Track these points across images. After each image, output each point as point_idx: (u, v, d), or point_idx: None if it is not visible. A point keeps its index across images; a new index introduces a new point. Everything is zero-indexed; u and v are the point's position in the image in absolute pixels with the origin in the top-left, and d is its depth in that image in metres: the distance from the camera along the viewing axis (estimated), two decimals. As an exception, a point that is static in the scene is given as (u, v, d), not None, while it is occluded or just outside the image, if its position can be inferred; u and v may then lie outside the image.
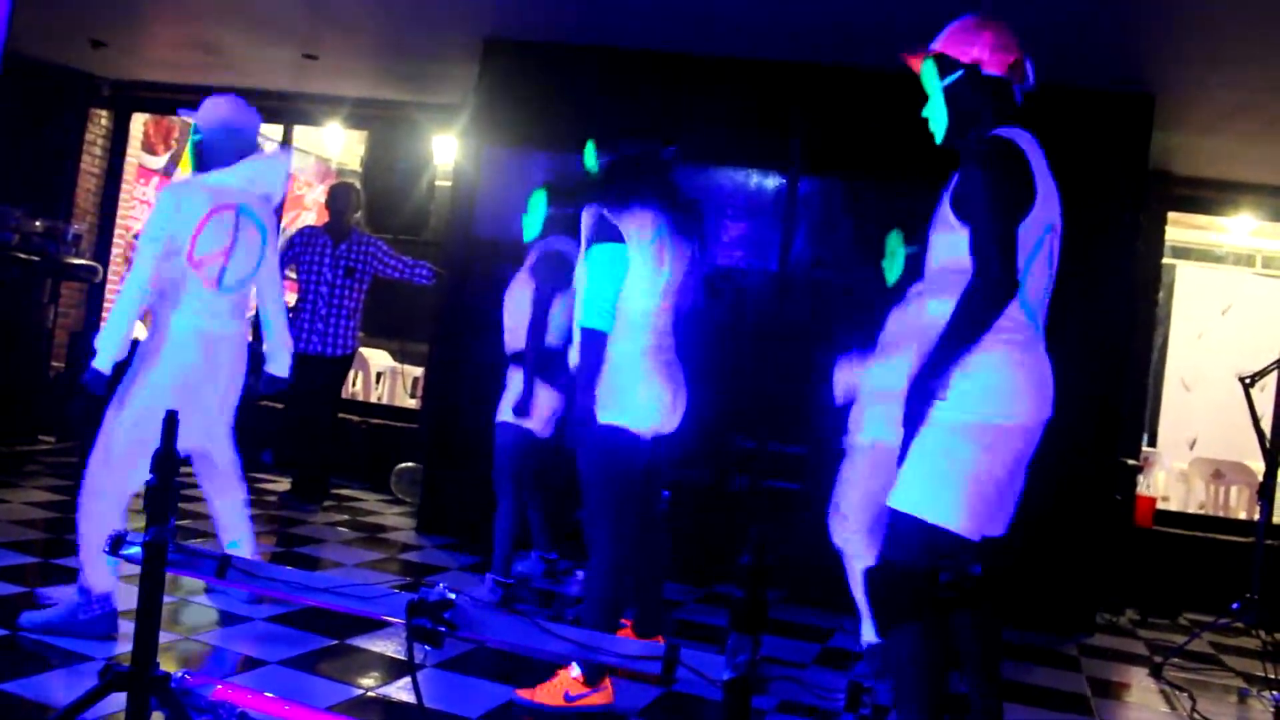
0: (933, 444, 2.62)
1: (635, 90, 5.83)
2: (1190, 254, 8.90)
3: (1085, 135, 5.32)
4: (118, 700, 2.42)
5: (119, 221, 8.68)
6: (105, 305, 8.27)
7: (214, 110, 3.75)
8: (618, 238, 3.43)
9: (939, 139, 2.82)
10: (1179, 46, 4.95)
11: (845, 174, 5.79)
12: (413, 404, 8.83)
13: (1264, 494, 5.05)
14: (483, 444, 4.76)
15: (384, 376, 9.27)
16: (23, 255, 6.92)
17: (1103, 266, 5.40)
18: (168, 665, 2.64)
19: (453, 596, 2.11)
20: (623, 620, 3.74)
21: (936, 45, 2.78)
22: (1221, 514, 7.33)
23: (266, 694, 2.95)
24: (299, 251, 6.44)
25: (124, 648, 3.35)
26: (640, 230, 3.46)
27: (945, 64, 2.75)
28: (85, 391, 3.54)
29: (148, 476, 2.37)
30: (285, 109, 7.90)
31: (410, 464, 7.00)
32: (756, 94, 5.81)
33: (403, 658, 3.73)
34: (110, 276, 8.17)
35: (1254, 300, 8.43)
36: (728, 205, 5.82)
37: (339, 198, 6.63)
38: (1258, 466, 5.56)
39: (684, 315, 3.76)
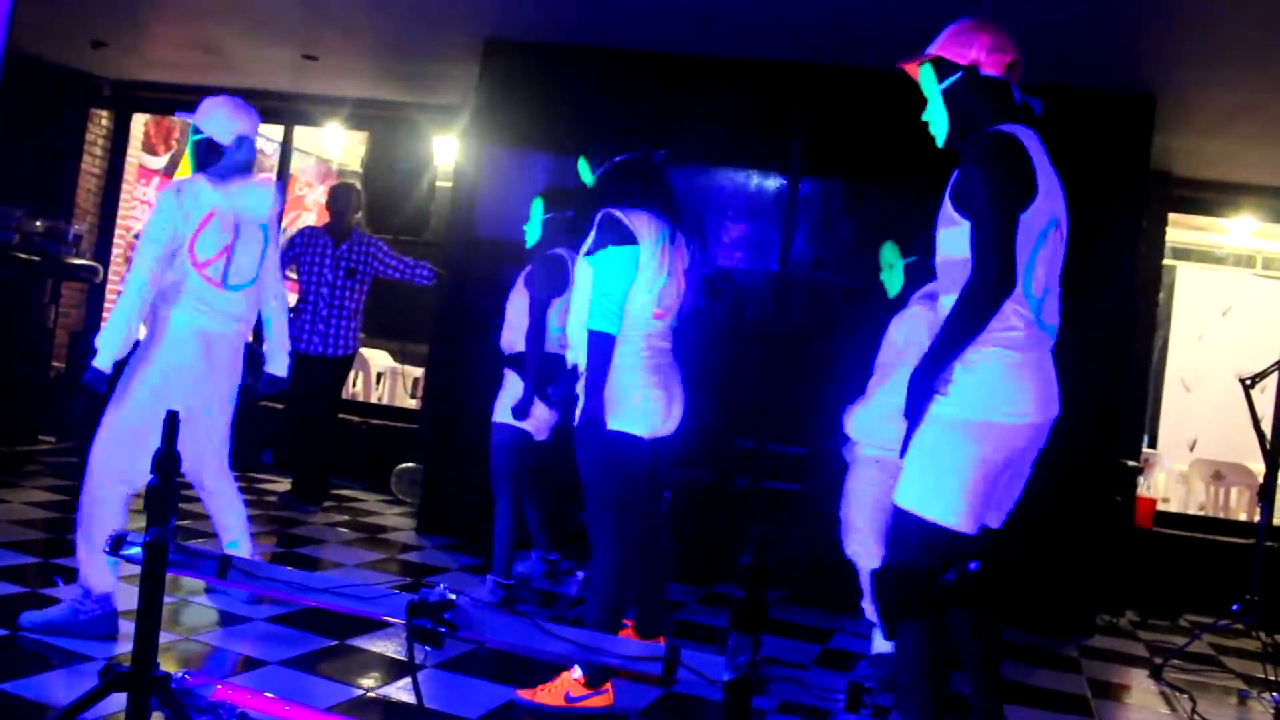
0: (932, 440, 2.63)
1: (635, 91, 5.83)
2: (1191, 255, 8.90)
3: (1086, 136, 5.32)
4: (118, 700, 2.42)
5: (119, 222, 8.68)
6: (106, 305, 8.28)
7: (212, 110, 3.75)
8: (630, 240, 3.42)
9: (940, 142, 2.83)
10: (1179, 47, 4.95)
11: (845, 175, 5.79)
12: (413, 404, 8.84)
13: (1264, 495, 5.06)
14: (483, 445, 4.76)
15: (384, 377, 9.27)
16: (23, 255, 6.93)
17: (1103, 267, 5.39)
18: (168, 665, 2.64)
19: (453, 597, 2.11)
20: (624, 621, 3.74)
21: (933, 49, 2.79)
22: (1221, 515, 7.33)
23: (266, 694, 2.95)
24: (300, 252, 6.44)
25: (124, 648, 3.36)
26: (647, 230, 3.46)
27: (943, 67, 2.76)
28: (86, 391, 3.54)
29: (148, 476, 2.37)
30: (285, 109, 7.90)
31: (410, 464, 7.00)
32: (757, 94, 5.81)
33: (403, 658, 3.73)
34: (111, 277, 8.17)
35: (1254, 301, 8.43)
36: (728, 206, 5.82)
37: (339, 198, 6.63)
38: (1258, 468, 5.56)
39: (684, 317, 3.76)
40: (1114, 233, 5.48)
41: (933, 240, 2.78)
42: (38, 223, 7.08)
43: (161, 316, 3.63)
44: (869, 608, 4.23)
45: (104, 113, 8.54)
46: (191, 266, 3.63)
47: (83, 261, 7.54)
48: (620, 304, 3.42)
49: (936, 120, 2.81)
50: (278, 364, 4.09)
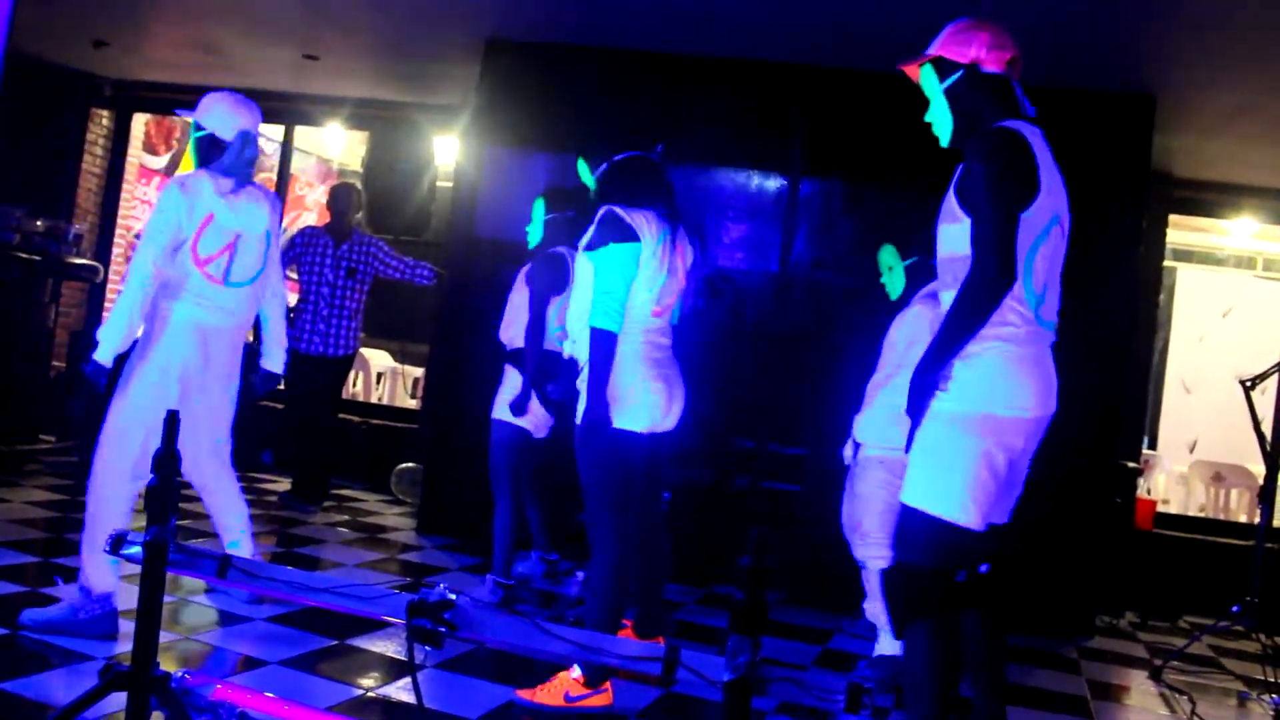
0: (934, 436, 2.63)
1: (635, 91, 5.84)
2: (1191, 256, 8.90)
3: (1086, 137, 5.31)
4: (118, 700, 2.42)
5: (120, 221, 8.69)
6: (106, 305, 8.28)
7: (213, 106, 3.74)
8: (631, 237, 3.43)
9: (944, 141, 2.83)
10: (1180, 47, 4.95)
11: (846, 175, 5.79)
12: (413, 404, 8.84)
13: (1264, 497, 5.06)
14: (483, 444, 4.76)
15: (384, 377, 9.28)
16: (24, 255, 6.93)
17: (1104, 268, 5.39)
18: (168, 665, 2.64)
19: (453, 597, 2.11)
20: (623, 621, 3.74)
21: (933, 49, 2.79)
22: (1222, 517, 7.33)
23: (266, 694, 2.95)
24: (300, 252, 6.44)
25: (124, 647, 3.36)
26: (648, 228, 3.47)
27: (944, 66, 2.77)
28: (86, 384, 3.54)
29: (150, 475, 2.37)
30: (286, 109, 7.90)
31: (410, 464, 7.00)
32: (757, 95, 5.81)
33: (403, 658, 3.73)
34: (111, 276, 8.17)
35: (1255, 303, 8.43)
36: (728, 206, 5.82)
37: (340, 198, 6.63)
38: (1258, 469, 5.56)
39: (685, 316, 3.76)
40: (1114, 234, 5.48)
41: (933, 238, 2.78)
42: (38, 222, 7.08)
43: (161, 312, 3.63)
44: (871, 608, 4.24)
45: (105, 112, 8.54)
46: (194, 264, 3.64)
47: (83, 261, 7.55)
48: (622, 302, 3.42)
49: (940, 120, 2.81)
50: (274, 361, 4.10)
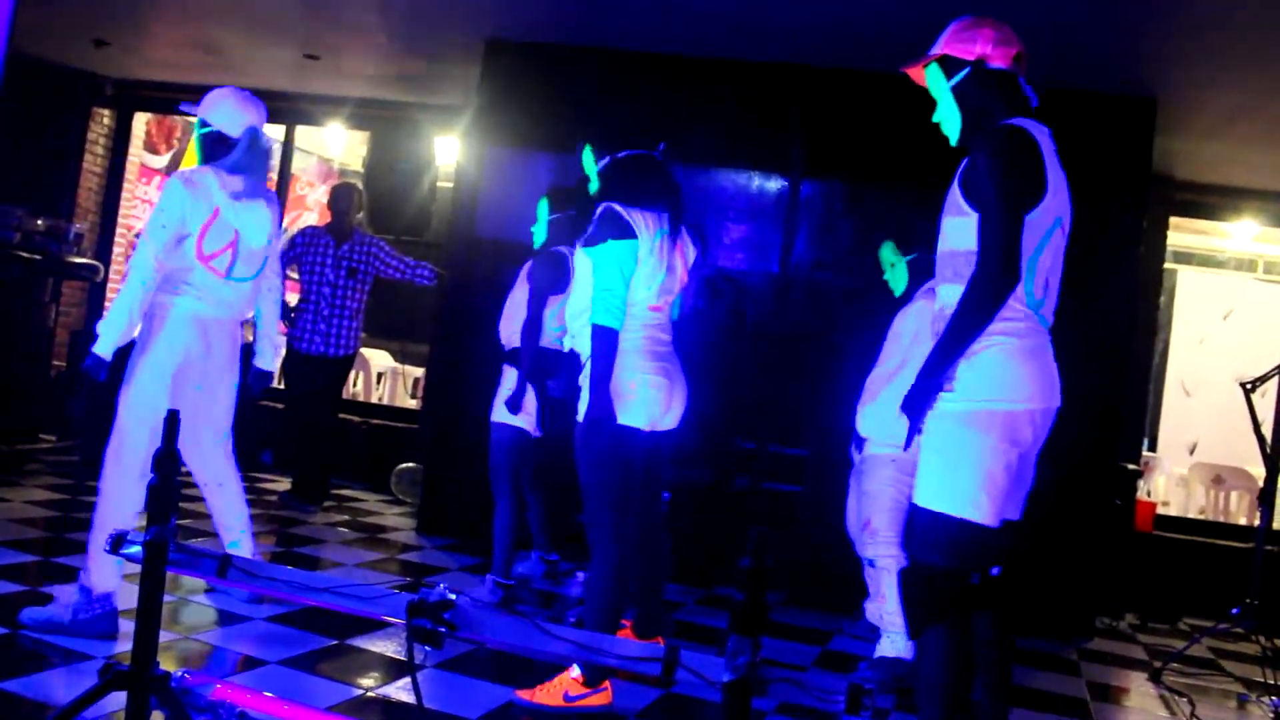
0: (942, 436, 2.62)
1: (636, 92, 5.84)
2: (1192, 259, 8.90)
3: (1087, 139, 5.31)
4: (118, 699, 2.42)
5: (121, 221, 8.69)
6: (106, 304, 8.28)
7: (219, 102, 3.73)
8: (629, 234, 3.43)
9: (954, 140, 2.82)
10: (1180, 49, 4.95)
11: (846, 176, 5.79)
12: (413, 404, 8.84)
13: (1264, 499, 5.06)
14: (483, 444, 4.76)
15: (385, 377, 9.28)
16: (24, 254, 6.93)
17: (1104, 270, 5.40)
18: (168, 664, 2.64)
19: (453, 597, 2.11)
20: (623, 621, 3.74)
21: (938, 48, 2.79)
22: (1221, 519, 7.33)
23: (266, 694, 2.95)
24: (301, 252, 6.45)
25: (124, 647, 3.36)
26: (646, 226, 3.47)
27: (950, 64, 2.76)
28: (85, 379, 3.54)
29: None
30: (287, 109, 7.90)
31: (410, 464, 7.00)
32: (757, 96, 5.81)
33: (403, 658, 3.73)
34: (112, 275, 8.17)
35: (1255, 305, 8.43)
36: (729, 207, 5.83)
37: (341, 198, 6.63)
38: (1258, 472, 5.56)
39: (684, 316, 3.76)
40: (1115, 235, 5.49)
41: (935, 233, 2.77)
42: (39, 221, 7.09)
43: (161, 306, 3.63)
44: (872, 608, 4.23)
45: (106, 112, 8.55)
46: (198, 259, 3.64)
47: (84, 260, 7.55)
48: (623, 298, 3.42)
49: (948, 119, 2.80)
50: (267, 360, 4.11)
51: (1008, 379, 2.60)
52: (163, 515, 2.33)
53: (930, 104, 2.85)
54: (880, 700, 3.77)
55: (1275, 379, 5.05)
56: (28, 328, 7.28)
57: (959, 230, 2.65)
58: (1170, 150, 6.13)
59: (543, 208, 4.68)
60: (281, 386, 7.26)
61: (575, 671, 3.40)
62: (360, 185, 7.03)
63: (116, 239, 8.62)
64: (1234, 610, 4.93)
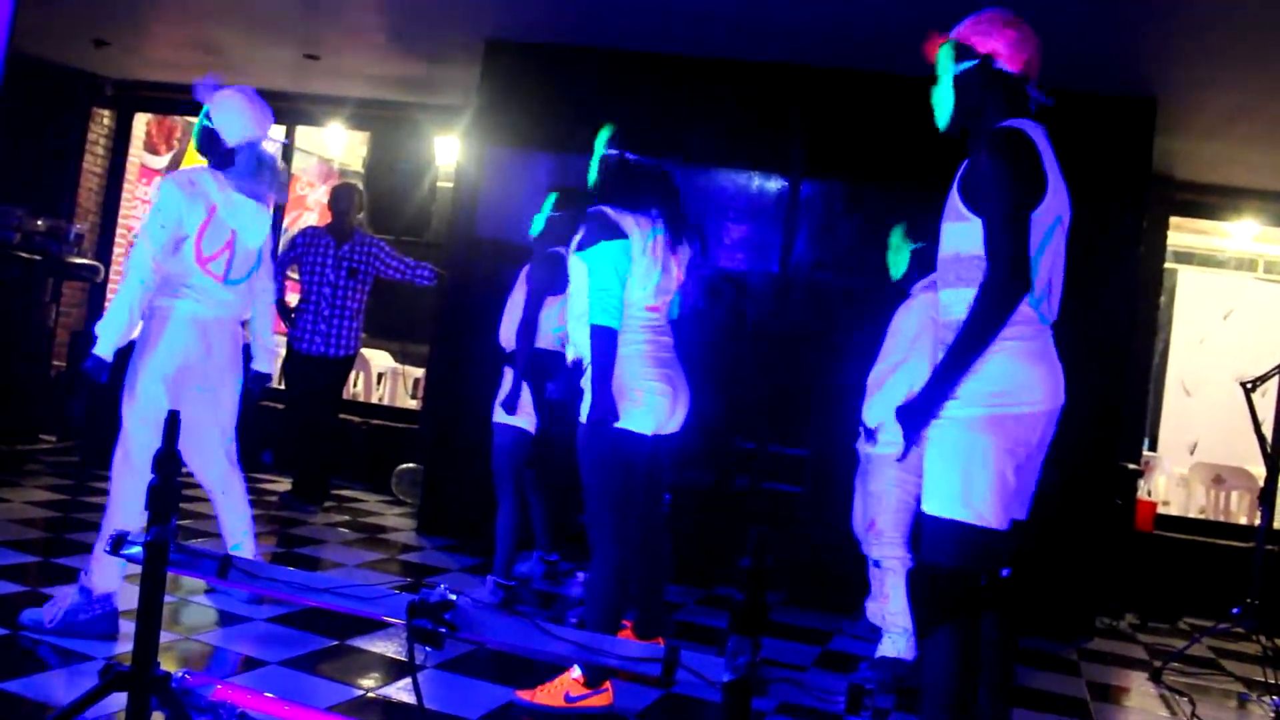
0: (950, 441, 2.61)
1: (636, 92, 5.84)
2: (1192, 259, 8.90)
3: (1087, 139, 5.31)
4: (118, 700, 2.42)
5: (121, 221, 8.69)
6: (106, 304, 8.27)
7: (226, 104, 3.71)
8: (620, 234, 3.44)
9: (941, 124, 2.80)
10: (1180, 49, 4.95)
11: (846, 176, 5.79)
12: (414, 405, 8.84)
13: (1264, 499, 5.06)
14: (483, 445, 4.76)
15: (385, 377, 9.28)
16: (25, 254, 6.94)
17: (1104, 270, 5.40)
18: (168, 665, 2.64)
19: (453, 597, 2.11)
20: (623, 622, 3.74)
21: (956, 31, 2.75)
22: (1222, 519, 7.33)
23: (267, 694, 2.95)
24: (301, 252, 6.45)
25: (124, 647, 3.36)
26: (637, 226, 3.47)
27: (961, 51, 2.73)
28: (86, 380, 3.54)
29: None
30: (287, 109, 7.88)
31: (411, 465, 7.00)
32: (757, 96, 5.81)
33: (403, 659, 3.73)
34: (112, 276, 8.17)
35: (1255, 305, 8.43)
36: (729, 207, 5.83)
37: (341, 198, 6.63)
38: (1258, 471, 5.56)
39: (684, 316, 3.76)
40: (1115, 235, 5.49)
41: (939, 230, 2.76)
42: (39, 222, 7.09)
43: (160, 310, 3.63)
44: (873, 607, 4.23)
45: (106, 112, 8.54)
46: (195, 261, 3.64)
47: (84, 261, 7.55)
48: (619, 298, 3.43)
49: (942, 102, 2.77)
50: (263, 361, 4.11)
51: (1015, 382, 2.58)
52: (163, 516, 2.33)
53: (930, 106, 2.83)
54: (880, 700, 3.77)
55: (1275, 379, 5.05)
56: (28, 328, 7.28)
57: (960, 235, 2.64)
58: (1170, 150, 6.13)
59: (549, 201, 4.68)
60: (282, 387, 7.26)
61: (576, 672, 3.41)
62: (360, 185, 7.04)
63: (117, 239, 8.62)
64: (1234, 610, 4.93)
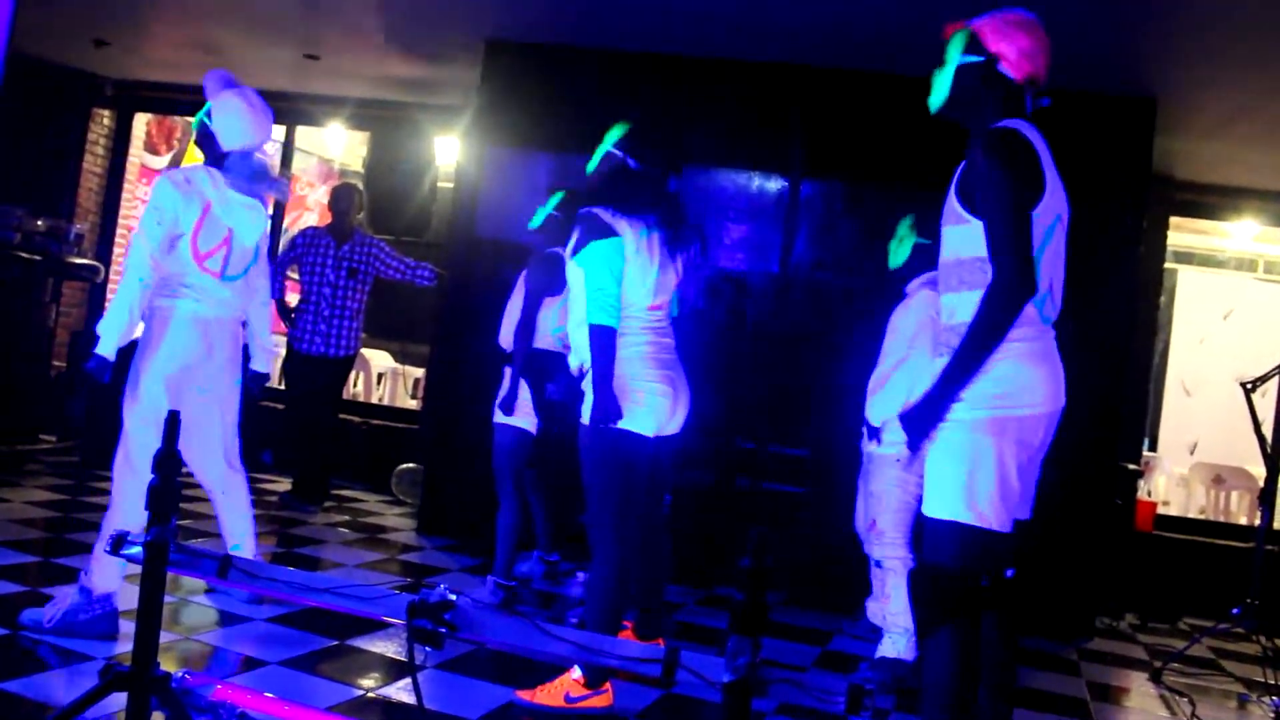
0: (955, 443, 2.60)
1: (636, 92, 5.83)
2: (1192, 259, 8.90)
3: (1087, 139, 5.31)
4: (118, 700, 2.42)
5: (121, 221, 8.69)
6: (106, 304, 8.27)
7: (227, 108, 3.69)
8: (610, 233, 3.44)
9: (932, 107, 2.78)
10: (1180, 49, 4.95)
11: (846, 176, 5.79)
12: (413, 405, 8.84)
13: (1265, 499, 5.06)
14: (483, 445, 4.76)
15: (385, 377, 9.28)
16: (25, 254, 6.94)
17: (1104, 270, 5.40)
18: (168, 665, 2.64)
19: (453, 598, 2.11)
20: (624, 622, 3.74)
21: (978, 22, 2.73)
22: (1222, 519, 7.33)
23: (267, 694, 2.95)
24: (302, 252, 6.45)
25: (124, 647, 3.36)
26: (629, 226, 3.48)
27: (972, 43, 2.71)
28: (89, 380, 3.54)
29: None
30: (287, 109, 7.89)
31: (411, 465, 7.00)
32: (757, 96, 5.81)
33: (403, 659, 3.73)
34: (112, 276, 8.17)
35: (1255, 305, 8.43)
36: (729, 207, 5.83)
37: (342, 198, 6.63)
38: (1258, 471, 5.56)
39: (684, 315, 3.76)
40: (1115, 235, 5.49)
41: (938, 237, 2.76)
42: (39, 222, 7.09)
43: (161, 310, 3.63)
44: (874, 607, 4.23)
45: (106, 112, 8.54)
46: (193, 258, 3.64)
47: (84, 261, 7.55)
48: (616, 297, 3.42)
49: (940, 86, 2.75)
50: (259, 361, 4.11)
51: (1019, 384, 2.58)
52: (163, 516, 2.33)
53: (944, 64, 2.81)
54: (880, 701, 3.77)
55: (1275, 379, 5.05)
56: (28, 328, 7.28)
57: (961, 238, 2.63)
58: (1170, 150, 6.13)
59: (554, 199, 4.67)
60: (282, 387, 7.26)
61: (576, 673, 3.40)
62: (360, 186, 7.03)
63: (117, 239, 8.62)
64: (1234, 610, 4.93)
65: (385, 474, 7.15)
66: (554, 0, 5.53)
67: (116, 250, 8.59)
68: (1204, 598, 6.17)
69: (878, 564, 4.13)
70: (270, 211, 3.97)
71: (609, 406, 3.38)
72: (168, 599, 3.43)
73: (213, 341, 3.72)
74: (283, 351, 6.83)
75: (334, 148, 10.34)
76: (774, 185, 5.81)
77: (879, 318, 4.22)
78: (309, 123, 8.37)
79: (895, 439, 3.93)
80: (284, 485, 6.69)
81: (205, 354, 3.71)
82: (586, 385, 3.47)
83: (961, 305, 2.63)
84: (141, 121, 8.92)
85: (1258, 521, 5.15)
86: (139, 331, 3.67)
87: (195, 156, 3.83)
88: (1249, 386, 4.98)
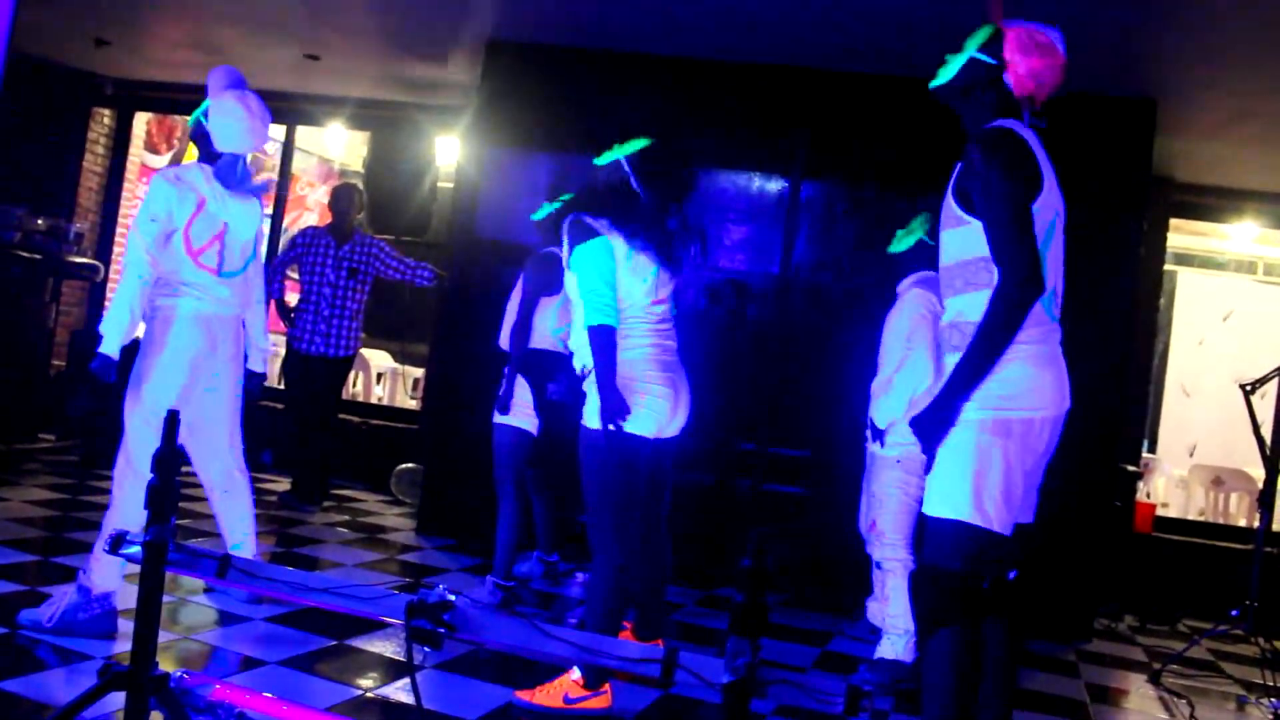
0: (958, 443, 2.60)
1: (637, 93, 5.84)
2: (1192, 261, 8.90)
3: (1088, 140, 5.32)
4: (117, 699, 2.42)
5: (121, 220, 8.69)
6: (106, 304, 8.27)
7: (225, 113, 3.68)
8: (596, 233, 3.45)
9: (933, 85, 2.77)
10: (1181, 51, 4.95)
11: (847, 178, 5.80)
12: (413, 405, 8.83)
13: (1264, 501, 5.06)
14: (483, 445, 4.76)
15: (385, 377, 9.27)
16: (25, 253, 6.93)
17: (1104, 272, 5.40)
18: (167, 665, 2.64)
19: (452, 598, 2.11)
20: (623, 623, 3.74)
21: (1009, 25, 2.73)
22: (1221, 521, 7.33)
23: (265, 694, 2.95)
24: (302, 252, 6.44)
25: (123, 647, 3.36)
26: (620, 238, 3.48)
27: (993, 42, 2.72)
28: (93, 380, 3.54)
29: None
30: (287, 109, 7.90)
31: (410, 465, 7.00)
32: (758, 98, 5.81)
33: (402, 659, 3.73)
34: (112, 275, 8.17)
35: (1255, 307, 8.43)
36: (730, 209, 5.83)
37: (342, 198, 6.63)
38: (1257, 473, 5.56)
39: (684, 316, 3.76)
40: (1115, 237, 5.49)
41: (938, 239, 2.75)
42: (39, 221, 7.09)
43: (163, 310, 3.63)
44: (874, 608, 4.23)
45: (106, 111, 8.55)
46: (187, 254, 3.64)
47: (84, 260, 7.55)
48: (610, 296, 3.42)
49: (948, 69, 2.75)
50: (256, 361, 4.11)
51: (1025, 386, 2.57)
52: (162, 515, 2.33)
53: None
54: (879, 702, 3.77)
55: (1275, 381, 5.05)
56: (28, 327, 7.28)
57: (961, 240, 2.63)
58: (1170, 152, 6.13)
59: (566, 197, 4.64)
60: (281, 387, 7.26)
61: (575, 673, 3.40)
62: (360, 186, 7.03)
63: (117, 238, 8.62)
64: (1233, 612, 4.93)
65: (384, 474, 7.15)
66: (554, 1, 5.53)
67: (116, 249, 8.59)
68: (1203, 599, 6.17)
69: (878, 565, 4.13)
70: (269, 210, 3.96)
71: (615, 405, 3.38)
72: (166, 598, 3.43)
73: (216, 339, 3.73)
74: (282, 351, 6.83)
75: (334, 148, 10.34)
76: (774, 186, 5.81)
77: (879, 318, 4.22)
78: (309, 123, 8.37)
79: (897, 440, 3.93)
80: (283, 485, 6.69)
81: (209, 352, 3.71)
82: (587, 386, 3.46)
83: (968, 306, 2.62)
84: (141, 121, 8.92)
85: (1256, 523, 5.15)
86: (140, 330, 3.67)
87: (195, 155, 3.82)
88: (1248, 388, 4.98)
